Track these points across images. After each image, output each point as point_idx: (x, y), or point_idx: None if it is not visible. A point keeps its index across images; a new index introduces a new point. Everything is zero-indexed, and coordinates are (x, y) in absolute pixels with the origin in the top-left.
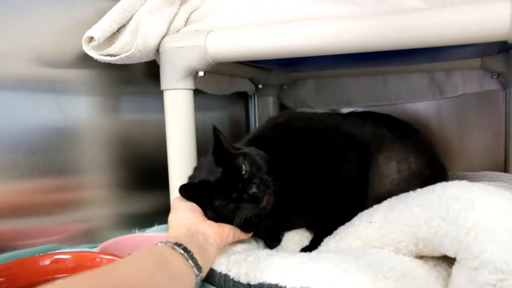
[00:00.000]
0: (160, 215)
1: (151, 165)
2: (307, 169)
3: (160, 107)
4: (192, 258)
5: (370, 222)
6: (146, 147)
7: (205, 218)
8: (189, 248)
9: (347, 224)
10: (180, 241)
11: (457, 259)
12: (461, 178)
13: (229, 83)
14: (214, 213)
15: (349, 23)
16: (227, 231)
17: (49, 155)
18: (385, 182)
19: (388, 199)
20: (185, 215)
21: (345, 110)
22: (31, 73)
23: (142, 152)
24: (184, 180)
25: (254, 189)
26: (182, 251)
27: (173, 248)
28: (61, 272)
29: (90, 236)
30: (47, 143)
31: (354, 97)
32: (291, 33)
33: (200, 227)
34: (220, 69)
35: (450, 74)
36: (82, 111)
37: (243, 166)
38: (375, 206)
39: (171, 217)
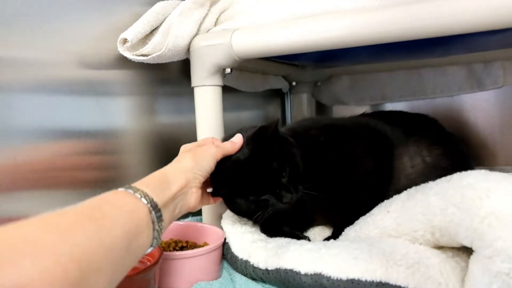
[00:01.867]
0: None
1: None
2: (338, 166)
3: (192, 105)
4: (137, 190)
5: (388, 211)
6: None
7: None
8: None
9: (367, 214)
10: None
11: (473, 248)
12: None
13: (262, 81)
14: (229, 197)
15: (369, 14)
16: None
17: (91, 156)
18: (401, 178)
19: (408, 190)
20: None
21: (381, 105)
22: (74, 77)
23: (177, 150)
24: None
25: (288, 199)
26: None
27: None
28: None
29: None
30: (89, 144)
31: (389, 92)
32: (309, 26)
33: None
34: (253, 67)
35: (490, 65)
36: (120, 111)
37: (285, 170)
38: (395, 196)
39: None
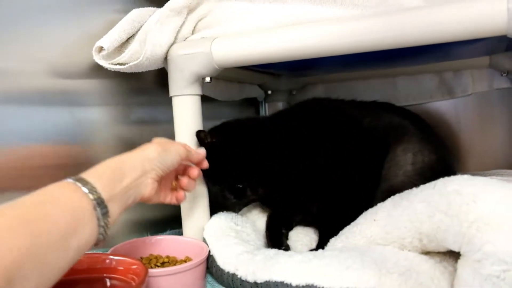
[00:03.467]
0: (171, 220)
1: None
2: (323, 157)
3: (169, 116)
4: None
5: (375, 220)
6: None
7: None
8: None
9: (352, 224)
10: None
11: (461, 253)
12: None
13: (238, 90)
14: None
15: (348, 24)
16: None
17: (63, 166)
18: (399, 173)
19: (392, 197)
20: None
21: None
22: (46, 86)
23: None
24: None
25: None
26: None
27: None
28: (73, 274)
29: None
30: (61, 154)
31: (364, 99)
32: (291, 36)
33: None
34: (229, 76)
35: (459, 74)
36: (94, 121)
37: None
38: (379, 205)
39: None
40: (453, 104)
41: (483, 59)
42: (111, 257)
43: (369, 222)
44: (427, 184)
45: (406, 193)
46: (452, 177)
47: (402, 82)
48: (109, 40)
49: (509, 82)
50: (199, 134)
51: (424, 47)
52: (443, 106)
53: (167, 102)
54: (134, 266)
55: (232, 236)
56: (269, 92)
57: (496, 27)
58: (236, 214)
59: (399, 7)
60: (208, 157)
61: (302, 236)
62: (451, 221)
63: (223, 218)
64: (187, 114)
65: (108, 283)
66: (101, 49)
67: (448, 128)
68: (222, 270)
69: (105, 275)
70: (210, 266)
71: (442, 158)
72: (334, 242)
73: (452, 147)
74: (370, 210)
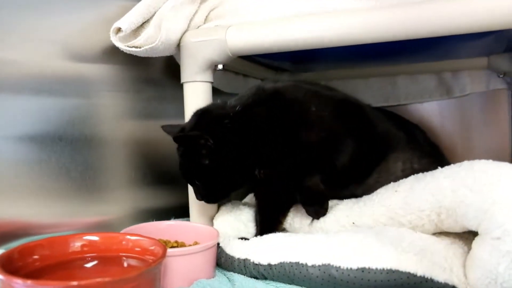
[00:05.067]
0: (176, 209)
1: (169, 161)
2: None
3: (177, 105)
4: None
5: (396, 191)
6: (165, 143)
7: None
8: None
9: (373, 193)
10: None
11: (479, 231)
12: None
13: (243, 82)
14: None
15: (363, 14)
16: None
17: (72, 150)
18: (390, 179)
19: (415, 174)
20: None
21: None
22: (61, 68)
23: (161, 148)
24: None
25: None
26: None
27: None
28: (90, 252)
29: (108, 229)
30: (73, 137)
31: (364, 98)
32: (305, 25)
33: None
34: (236, 68)
35: (458, 74)
36: (106, 107)
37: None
38: (402, 180)
39: None
40: (448, 104)
41: (481, 60)
42: (128, 237)
43: (390, 192)
44: (452, 165)
45: (430, 172)
46: (477, 160)
47: (401, 81)
48: (127, 22)
49: (505, 83)
50: (197, 139)
51: (425, 45)
52: (437, 106)
53: (176, 91)
54: (152, 247)
55: (239, 225)
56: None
57: (507, 20)
58: (243, 204)
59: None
60: (213, 161)
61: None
62: (475, 197)
63: (230, 209)
64: (198, 101)
65: (125, 263)
66: (118, 30)
67: (441, 129)
68: (232, 258)
69: (121, 254)
70: (218, 256)
71: (433, 164)
72: (352, 206)
73: (444, 148)
74: (392, 183)
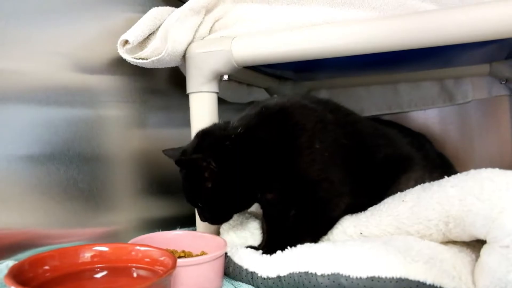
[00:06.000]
0: (182, 219)
1: (175, 171)
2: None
3: (183, 115)
4: None
5: (403, 201)
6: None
7: None
8: None
9: (379, 203)
10: None
11: (488, 239)
12: None
13: (247, 92)
14: None
15: (367, 25)
16: None
17: (80, 161)
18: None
19: (421, 184)
20: None
21: None
22: (68, 80)
23: (167, 158)
24: None
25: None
26: None
27: None
28: (100, 263)
29: (115, 239)
30: (81, 148)
31: (367, 105)
32: (311, 35)
33: None
34: (239, 77)
35: (460, 81)
36: (112, 117)
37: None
38: (408, 189)
39: None
40: (449, 111)
41: (483, 67)
42: (137, 248)
43: (397, 201)
44: (459, 174)
45: (437, 181)
46: (484, 169)
47: (403, 88)
48: (134, 34)
49: (507, 90)
50: (199, 162)
51: (428, 53)
52: (438, 113)
53: (181, 101)
54: (162, 258)
55: (246, 233)
56: (275, 96)
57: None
58: (249, 213)
59: (415, 11)
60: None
61: None
62: (483, 205)
63: (236, 216)
64: (203, 111)
65: (135, 274)
66: (125, 42)
67: (442, 136)
68: (240, 267)
69: (131, 265)
70: (226, 266)
71: (443, 175)
72: (358, 217)
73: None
74: (399, 193)
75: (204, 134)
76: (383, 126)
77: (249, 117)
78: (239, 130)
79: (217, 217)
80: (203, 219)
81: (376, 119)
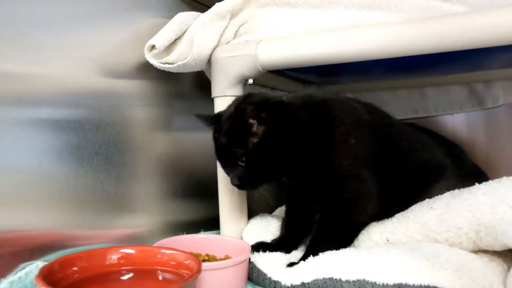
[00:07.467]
0: (206, 222)
1: (199, 174)
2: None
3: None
4: None
5: (431, 208)
6: (196, 157)
7: None
8: None
9: (407, 210)
10: None
11: None
12: None
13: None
14: None
15: (395, 28)
16: None
17: (107, 164)
18: None
19: (451, 191)
20: None
21: None
22: (96, 84)
23: (191, 161)
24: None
25: (233, 182)
26: None
27: None
28: (126, 265)
29: (139, 241)
30: (108, 151)
31: (393, 110)
32: (337, 39)
33: None
34: (264, 81)
35: (490, 85)
36: (139, 121)
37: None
38: (437, 196)
39: None
40: (475, 116)
41: None
42: (163, 251)
43: (425, 208)
44: (491, 181)
45: (467, 188)
46: None
47: (430, 92)
48: (160, 40)
49: None
50: (245, 112)
51: (457, 57)
52: (465, 118)
53: (206, 105)
54: (188, 261)
55: (268, 236)
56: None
57: None
58: (271, 216)
59: (443, 13)
60: (257, 153)
61: None
62: None
63: (259, 222)
64: None
65: (160, 277)
66: (152, 47)
67: (468, 141)
68: (264, 275)
69: (157, 268)
70: (250, 272)
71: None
72: (385, 223)
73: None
74: (427, 200)
75: (247, 96)
76: (419, 132)
77: (294, 97)
78: (283, 99)
79: (253, 179)
80: (235, 181)
81: (412, 125)
